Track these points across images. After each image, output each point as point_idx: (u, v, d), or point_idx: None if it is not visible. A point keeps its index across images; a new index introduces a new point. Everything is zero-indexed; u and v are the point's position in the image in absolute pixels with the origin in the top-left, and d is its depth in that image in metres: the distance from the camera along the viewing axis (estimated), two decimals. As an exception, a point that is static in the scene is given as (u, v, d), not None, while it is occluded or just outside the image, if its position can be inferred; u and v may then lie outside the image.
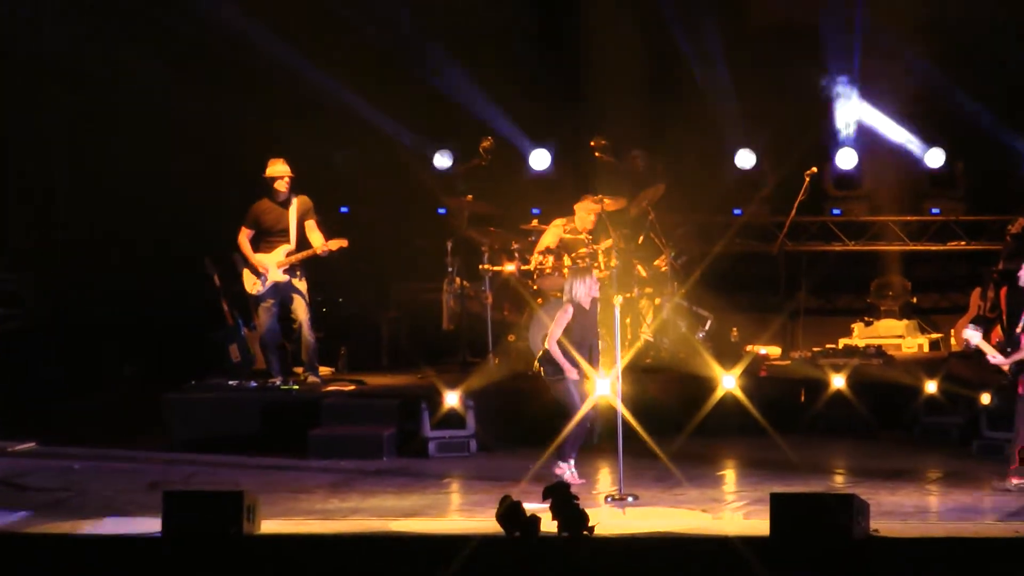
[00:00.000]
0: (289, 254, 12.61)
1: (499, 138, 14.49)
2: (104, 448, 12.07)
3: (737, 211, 15.89)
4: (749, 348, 14.22)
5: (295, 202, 12.65)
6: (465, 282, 13.77)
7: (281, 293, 12.68)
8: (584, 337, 10.46)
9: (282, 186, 12.63)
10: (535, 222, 13.97)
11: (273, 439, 12.07)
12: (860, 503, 8.16)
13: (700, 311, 14.15)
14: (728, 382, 12.19)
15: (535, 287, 13.52)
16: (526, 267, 13.46)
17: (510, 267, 13.50)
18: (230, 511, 8.20)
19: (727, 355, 13.35)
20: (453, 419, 11.90)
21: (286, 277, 12.61)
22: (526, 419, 12.13)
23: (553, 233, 13.89)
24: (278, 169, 12.67)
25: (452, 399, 11.91)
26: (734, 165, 15.84)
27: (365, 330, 14.91)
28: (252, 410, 12.31)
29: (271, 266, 12.63)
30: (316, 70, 14.46)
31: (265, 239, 12.70)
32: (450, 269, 13.80)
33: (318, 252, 12.54)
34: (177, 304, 14.23)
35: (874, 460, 11.38)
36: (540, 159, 15.78)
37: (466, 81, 14.98)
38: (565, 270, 13.34)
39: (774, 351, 14.43)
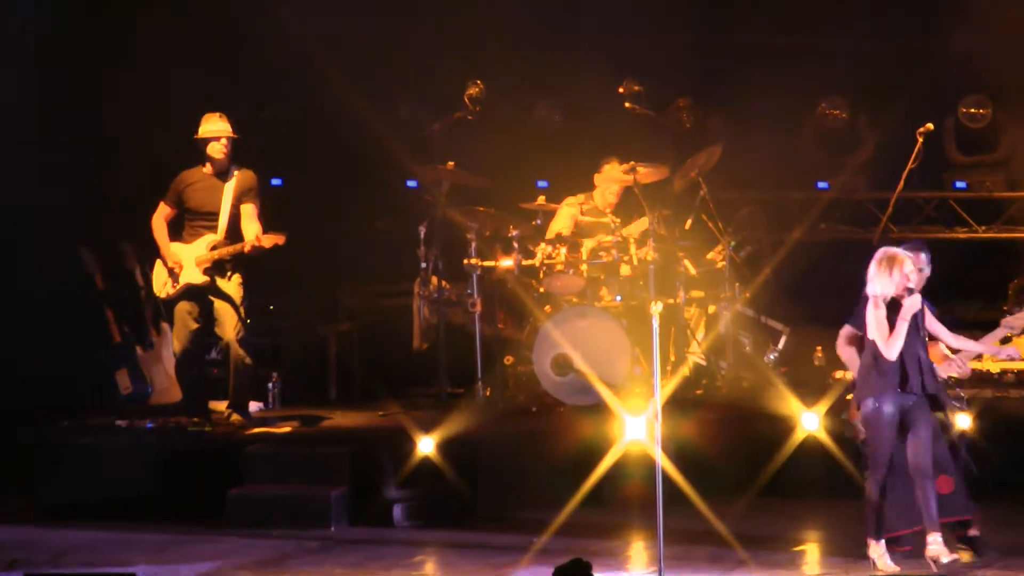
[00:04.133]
0: (214, 247, 12.61)
1: (492, 83, 14.45)
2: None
3: (822, 184, 15.88)
4: (839, 375, 14.17)
5: (235, 177, 12.65)
6: (444, 282, 13.75)
7: (202, 298, 12.69)
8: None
9: (218, 151, 12.62)
10: (541, 199, 13.97)
11: (177, 501, 12.08)
12: (994, 591, 8.13)
13: (771, 323, 14.12)
14: (810, 422, 12.16)
15: (541, 289, 13.52)
16: (529, 261, 13.45)
17: (506, 262, 13.50)
18: (117, 601, 8.18)
19: (808, 385, 13.36)
20: (427, 474, 11.87)
21: (206, 278, 12.62)
22: (530, 473, 12.13)
23: (566, 214, 13.87)
24: (213, 127, 12.66)
25: (426, 446, 11.89)
26: (818, 120, 15.81)
27: (305, 349, 14.89)
28: (148, 461, 12.30)
29: (187, 261, 12.64)
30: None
31: (189, 223, 12.71)
32: (423, 264, 13.77)
33: (246, 249, 12.54)
34: (42, 314, 14.19)
35: (1014, 531, 11.35)
36: (548, 113, 15.76)
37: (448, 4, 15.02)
38: (582, 266, 13.33)
39: (874, 379, 14.41)
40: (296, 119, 15.29)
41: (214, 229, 12.62)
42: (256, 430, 12.70)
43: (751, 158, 15.10)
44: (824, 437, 12.11)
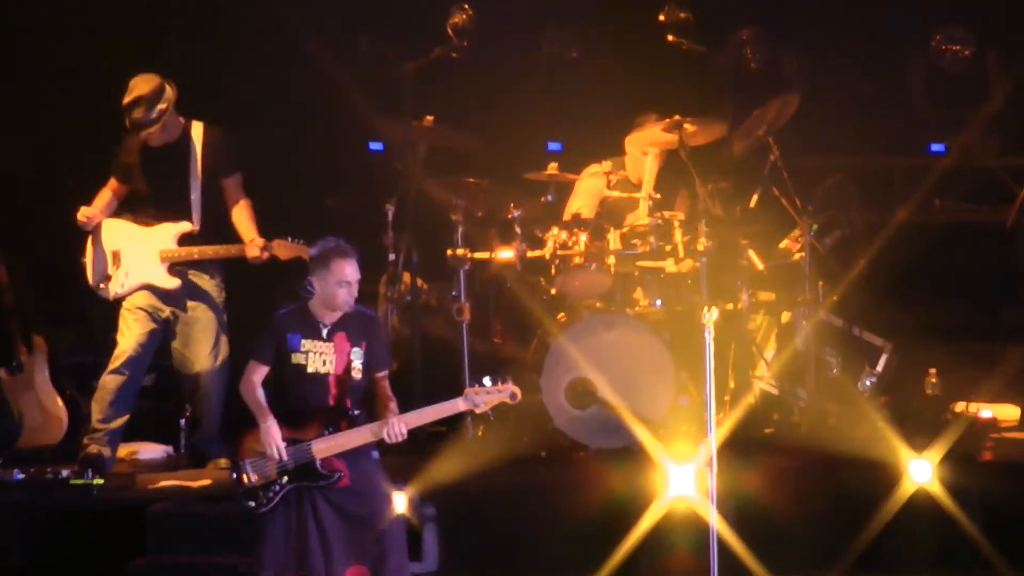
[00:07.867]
0: (184, 239, 12.69)
1: (485, 8, 14.43)
2: None
3: (937, 147, 15.91)
4: (960, 408, 14.18)
5: (196, 137, 12.75)
6: (420, 281, 13.79)
7: (168, 306, 12.87)
8: None
9: (143, 113, 12.63)
10: (553, 167, 13.96)
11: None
12: None
13: (866, 336, 14.12)
14: (920, 472, 12.18)
15: (552, 291, 13.56)
16: (536, 253, 13.47)
17: (506, 253, 13.52)
18: None
19: (919, 420, 13.44)
20: (398, 541, 11.87)
21: (176, 281, 12.72)
22: (540, 539, 12.13)
23: (587, 189, 13.90)
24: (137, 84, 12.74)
25: (398, 503, 11.84)
26: (931, 60, 15.85)
27: (232, 371, 14.87)
28: (16, 524, 12.33)
29: (148, 250, 12.72)
30: None
31: (142, 207, 12.87)
32: (391, 256, 13.94)
33: (247, 256, 12.63)
34: None
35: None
36: (562, 50, 15.84)
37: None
38: (609, 259, 13.32)
39: (1008, 413, 14.44)
40: (217, 57, 15.28)
41: (183, 215, 12.74)
42: (164, 483, 12.73)
43: (840, 111, 15.14)
44: (939, 491, 12.15)
